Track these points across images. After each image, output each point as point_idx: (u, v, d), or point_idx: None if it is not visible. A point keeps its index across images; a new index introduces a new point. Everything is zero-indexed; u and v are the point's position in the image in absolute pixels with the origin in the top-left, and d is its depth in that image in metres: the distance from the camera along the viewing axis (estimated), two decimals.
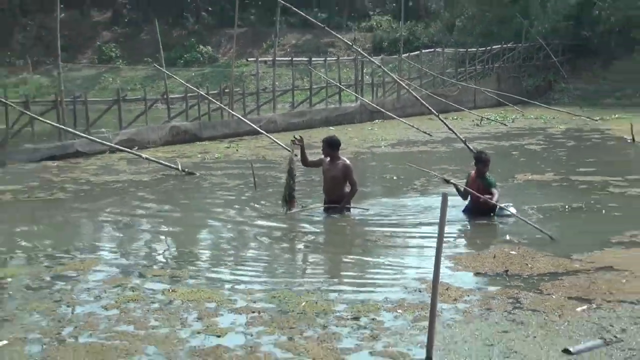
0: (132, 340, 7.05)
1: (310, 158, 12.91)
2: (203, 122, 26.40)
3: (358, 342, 6.96)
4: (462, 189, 12.47)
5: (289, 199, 12.58)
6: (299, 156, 12.67)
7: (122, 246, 11.65)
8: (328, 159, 12.37)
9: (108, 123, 24.65)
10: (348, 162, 12.45)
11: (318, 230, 11.99)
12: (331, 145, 12.30)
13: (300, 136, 12.69)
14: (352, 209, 12.65)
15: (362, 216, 12.89)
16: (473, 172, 12.64)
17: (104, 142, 21.69)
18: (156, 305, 8.16)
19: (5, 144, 20.70)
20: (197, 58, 49.07)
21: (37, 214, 13.87)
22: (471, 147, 17.81)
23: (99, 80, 46.80)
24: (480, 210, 12.33)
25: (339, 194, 12.32)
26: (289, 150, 12.97)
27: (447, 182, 12.62)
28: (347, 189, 12.38)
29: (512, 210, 12.26)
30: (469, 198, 12.47)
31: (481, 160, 12.40)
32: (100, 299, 8.50)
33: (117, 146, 21.41)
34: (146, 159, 19.50)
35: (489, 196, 12.01)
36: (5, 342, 6.99)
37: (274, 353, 6.74)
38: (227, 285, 9.05)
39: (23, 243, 11.60)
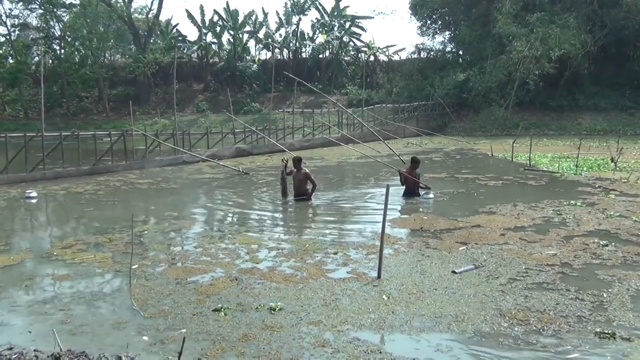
0: (208, 265, 7.13)
1: (287, 172, 12.05)
2: (253, 145, 26.20)
3: (336, 266, 6.97)
4: (402, 177, 12.39)
5: (284, 194, 12.09)
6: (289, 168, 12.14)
7: (207, 213, 11.56)
8: (295, 170, 11.86)
9: (201, 145, 24.51)
10: (307, 170, 12.05)
11: (309, 209, 11.66)
12: (296, 161, 11.84)
13: (285, 159, 12.33)
14: (311, 199, 11.97)
15: (332, 199, 12.76)
16: (406, 168, 12.52)
17: (198, 155, 21.60)
18: (223, 246, 8.14)
19: (145, 156, 20.59)
20: (250, 110, 48.82)
21: (161, 196, 13.76)
22: (402, 158, 17.69)
23: (196, 122, 46.63)
24: (411, 193, 12.22)
25: (303, 190, 11.81)
26: (283, 161, 12.19)
27: (398, 171, 12.74)
28: (308, 186, 11.86)
29: (431, 195, 12.25)
30: (404, 185, 12.35)
31: (416, 161, 12.37)
32: (192, 242, 8.47)
33: (205, 158, 21.28)
34: (222, 165, 19.37)
35: (420, 181, 12.35)
36: (136, 265, 6.88)
37: (286, 270, 6.83)
38: (265, 235, 8.95)
39: (154, 212, 11.52)
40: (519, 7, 38.19)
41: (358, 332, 4.93)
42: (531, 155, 18.99)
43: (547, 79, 37.35)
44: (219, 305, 5.54)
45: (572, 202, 11.22)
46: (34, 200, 13.03)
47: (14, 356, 4.26)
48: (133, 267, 6.84)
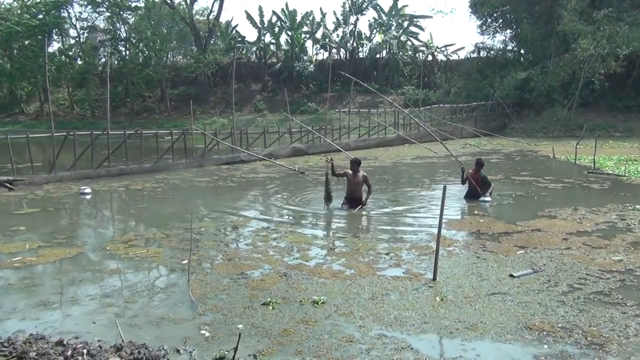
0: (257, 261, 7.31)
1: (337, 172, 11.51)
2: (309, 144, 26.38)
3: (388, 266, 6.98)
4: (465, 175, 12.23)
5: (328, 199, 11.38)
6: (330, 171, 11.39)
7: (261, 211, 11.64)
8: (351, 172, 11.26)
9: (258, 144, 24.85)
10: (365, 173, 11.45)
11: (364, 210, 11.51)
12: (355, 163, 11.28)
13: (331, 158, 11.69)
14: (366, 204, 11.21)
15: (388, 200, 12.59)
16: (471, 170, 12.34)
17: (256, 154, 21.93)
18: (275, 244, 8.27)
19: (204, 155, 21.09)
20: (307, 109, 49.10)
21: (218, 193, 14.07)
22: (459, 160, 17.38)
23: (254, 121, 47.26)
24: (473, 195, 12.04)
25: (358, 195, 11.19)
26: (328, 161, 11.43)
27: (462, 168, 12.52)
28: (363, 191, 11.28)
29: (488, 198, 11.98)
30: (467, 187, 12.23)
31: (480, 164, 12.25)
32: (246, 239, 8.64)
33: (262, 157, 21.59)
34: (278, 164, 19.60)
35: (484, 190, 12.05)
36: (185, 261, 7.04)
37: (334, 266, 7.00)
38: (317, 234, 9.03)
39: (210, 209, 11.72)
40: (585, 4, 36.83)
41: (402, 333, 4.92)
42: (596, 157, 18.31)
43: (614, 79, 35.84)
44: (268, 299, 5.69)
45: (638, 206, 10.75)
46: (88, 197, 13.48)
47: (79, 345, 4.46)
48: (183, 262, 7.07)
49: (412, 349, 4.60)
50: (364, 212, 10.97)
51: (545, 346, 4.65)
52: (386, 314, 5.34)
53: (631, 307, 5.47)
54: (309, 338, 4.80)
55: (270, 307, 5.51)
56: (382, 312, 5.39)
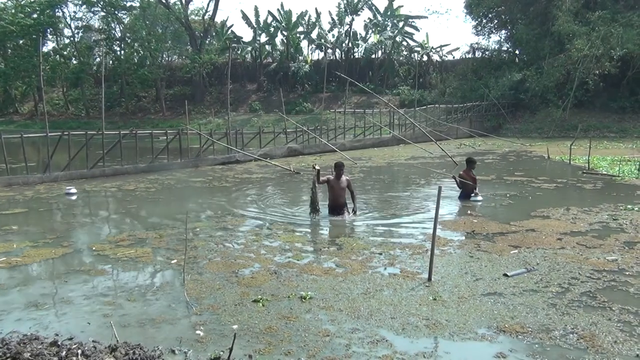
0: (247, 260, 7.37)
1: (321, 179, 10.53)
2: (305, 144, 26.41)
3: (381, 265, 7.07)
4: (458, 181, 12.35)
5: (313, 208, 10.52)
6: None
7: (255, 211, 11.51)
8: (332, 177, 10.60)
9: (253, 144, 24.84)
10: (349, 177, 11.01)
11: (359, 209, 11.55)
12: (339, 167, 10.66)
13: (316, 164, 11.21)
14: (356, 213, 10.56)
15: (382, 199, 12.60)
16: (462, 171, 12.44)
17: (251, 155, 21.94)
18: (267, 243, 8.34)
19: (199, 155, 21.09)
20: (302, 110, 49.10)
21: (213, 193, 14.06)
22: (454, 160, 17.44)
23: (249, 122, 47.19)
24: (466, 195, 12.14)
25: (343, 201, 10.58)
26: (315, 167, 10.63)
27: (453, 177, 12.71)
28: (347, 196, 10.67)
29: (479, 198, 12.08)
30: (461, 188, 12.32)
31: (472, 161, 12.33)
32: (238, 239, 8.69)
33: (258, 157, 21.60)
34: (273, 164, 19.60)
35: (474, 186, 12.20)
36: (175, 261, 7.05)
37: (327, 264, 7.11)
38: (310, 235, 9.06)
39: (207, 209, 11.74)
40: (580, 5, 37.04)
41: (361, 326, 5.01)
42: (590, 158, 18.37)
43: (609, 79, 36.04)
44: (259, 297, 5.76)
45: (629, 206, 10.82)
46: (73, 197, 13.41)
47: (74, 346, 4.46)
48: (172, 262, 7.11)
49: (386, 340, 4.70)
50: (359, 212, 10.79)
51: (501, 349, 4.58)
52: (363, 310, 5.41)
53: (615, 312, 5.33)
54: (290, 335, 4.83)
55: (260, 304, 5.56)
56: (361, 308, 5.45)
